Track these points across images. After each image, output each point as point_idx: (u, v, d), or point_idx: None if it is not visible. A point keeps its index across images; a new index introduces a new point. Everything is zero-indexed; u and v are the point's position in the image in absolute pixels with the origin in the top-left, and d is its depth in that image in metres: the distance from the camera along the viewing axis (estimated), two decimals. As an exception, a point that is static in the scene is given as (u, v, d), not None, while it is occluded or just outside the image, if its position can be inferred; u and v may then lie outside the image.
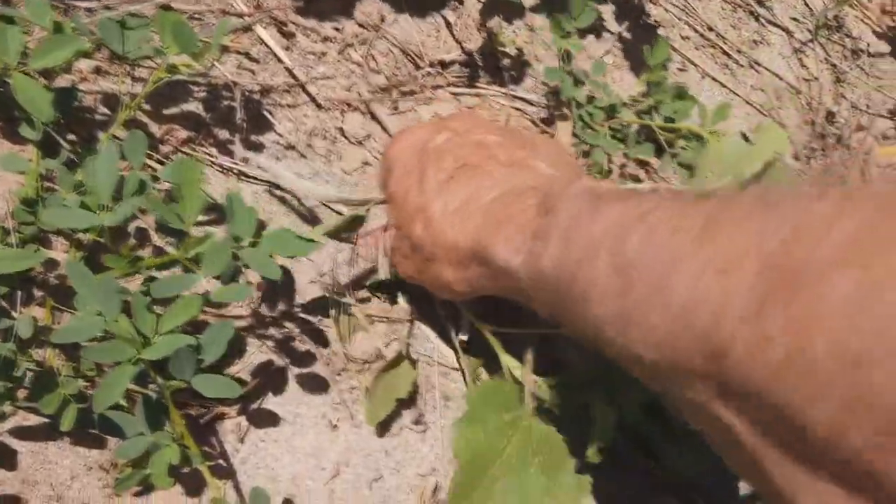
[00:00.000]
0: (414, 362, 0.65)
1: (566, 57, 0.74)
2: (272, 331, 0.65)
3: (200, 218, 0.61)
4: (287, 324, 0.65)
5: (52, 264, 0.60)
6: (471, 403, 0.59)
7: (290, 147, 0.69)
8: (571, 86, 0.73)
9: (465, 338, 0.64)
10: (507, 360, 0.62)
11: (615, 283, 0.33)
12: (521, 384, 0.60)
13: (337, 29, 0.76)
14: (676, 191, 0.69)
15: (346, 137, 0.71)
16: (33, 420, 0.59)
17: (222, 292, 0.53)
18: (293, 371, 0.64)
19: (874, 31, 0.97)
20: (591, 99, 0.76)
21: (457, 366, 0.67)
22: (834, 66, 0.95)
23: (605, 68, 0.77)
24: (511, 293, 0.48)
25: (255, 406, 0.64)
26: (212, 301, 0.62)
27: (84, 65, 0.64)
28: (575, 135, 0.73)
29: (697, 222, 0.30)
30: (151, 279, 0.58)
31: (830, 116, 0.94)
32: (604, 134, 0.71)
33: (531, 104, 0.79)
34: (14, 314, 0.57)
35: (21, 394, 0.56)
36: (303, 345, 0.65)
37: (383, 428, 0.64)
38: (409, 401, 0.65)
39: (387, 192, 0.58)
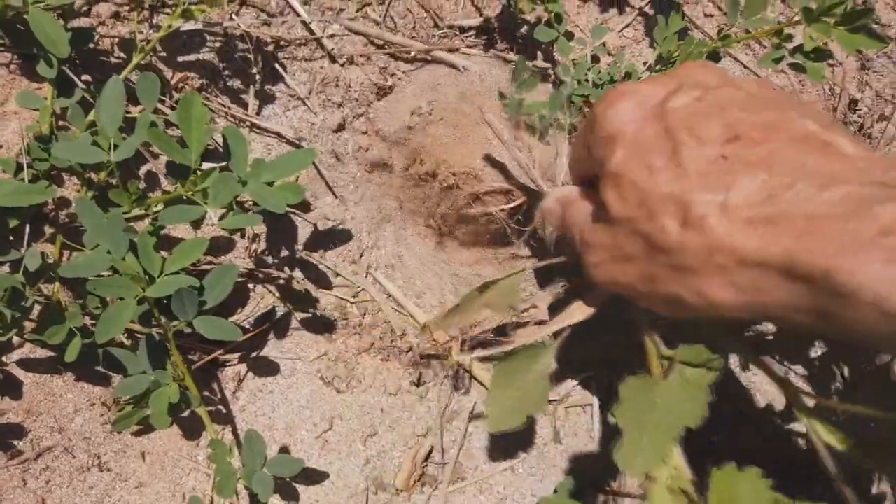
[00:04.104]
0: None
1: (557, 19, 0.74)
2: (275, 279, 0.65)
3: (210, 165, 0.61)
4: (289, 271, 0.65)
5: (64, 203, 0.61)
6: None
7: (303, 99, 0.69)
8: (567, 45, 0.73)
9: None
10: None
11: None
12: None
13: (356, -12, 0.76)
14: None
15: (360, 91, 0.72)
16: (40, 353, 0.60)
17: (232, 221, 0.53)
18: (294, 322, 0.65)
19: (904, 19, 0.95)
20: (595, 61, 0.76)
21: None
22: (860, 51, 0.93)
23: (605, 31, 0.76)
24: (815, 320, 0.36)
25: (255, 355, 0.64)
26: (215, 247, 0.63)
27: (103, 9, 0.64)
28: (571, 101, 0.72)
29: None
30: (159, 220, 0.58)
31: (853, 104, 0.92)
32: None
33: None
34: (22, 249, 0.58)
35: (28, 326, 0.58)
36: (304, 295, 0.65)
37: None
38: (412, 365, 0.65)
39: (607, 170, 0.43)
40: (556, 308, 0.57)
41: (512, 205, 0.67)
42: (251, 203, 0.62)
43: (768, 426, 0.69)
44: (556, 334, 0.53)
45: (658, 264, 0.41)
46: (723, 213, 0.37)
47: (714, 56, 0.70)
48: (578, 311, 0.54)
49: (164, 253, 0.58)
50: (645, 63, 0.81)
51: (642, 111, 0.43)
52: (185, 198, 0.55)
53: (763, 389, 0.71)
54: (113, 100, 0.51)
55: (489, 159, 0.67)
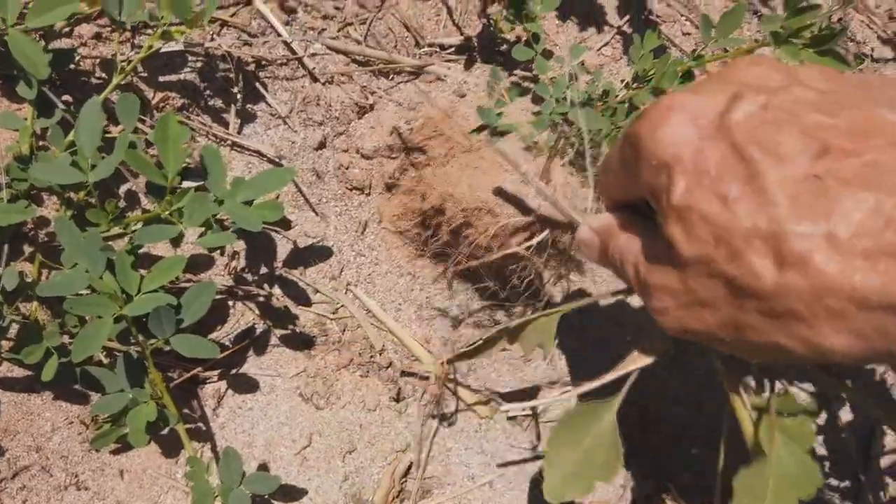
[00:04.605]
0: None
1: (534, 38, 0.75)
2: (254, 296, 0.66)
3: (190, 184, 0.62)
4: (268, 288, 0.66)
5: (43, 222, 0.61)
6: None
7: (284, 118, 0.70)
8: (544, 63, 0.74)
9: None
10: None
11: None
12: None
13: (338, 7, 0.77)
14: None
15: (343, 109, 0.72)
16: (18, 372, 0.60)
17: (208, 239, 0.53)
18: (273, 339, 0.65)
19: (879, 37, 0.97)
20: (573, 79, 0.77)
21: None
22: (837, 69, 0.95)
23: (583, 50, 0.77)
24: None
25: (234, 372, 0.65)
26: (194, 265, 0.64)
27: (85, 30, 0.65)
28: (553, 122, 0.73)
29: None
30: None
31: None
32: (593, 113, 0.72)
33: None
34: (0, 268, 0.58)
35: (6, 345, 0.58)
36: (283, 312, 0.66)
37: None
38: (391, 381, 0.66)
39: (669, 204, 0.36)
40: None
41: (537, 240, 0.61)
42: (231, 221, 0.63)
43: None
44: (616, 386, 0.48)
45: (747, 311, 0.34)
46: (831, 246, 0.31)
47: (689, 75, 0.71)
48: (637, 360, 0.49)
49: (144, 271, 0.59)
50: (622, 80, 0.82)
51: (697, 129, 0.36)
52: (162, 217, 0.55)
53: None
54: (91, 121, 0.51)
55: (502, 192, 0.62)
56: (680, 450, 0.70)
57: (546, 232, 0.60)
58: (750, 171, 0.33)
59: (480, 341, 0.54)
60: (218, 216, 0.58)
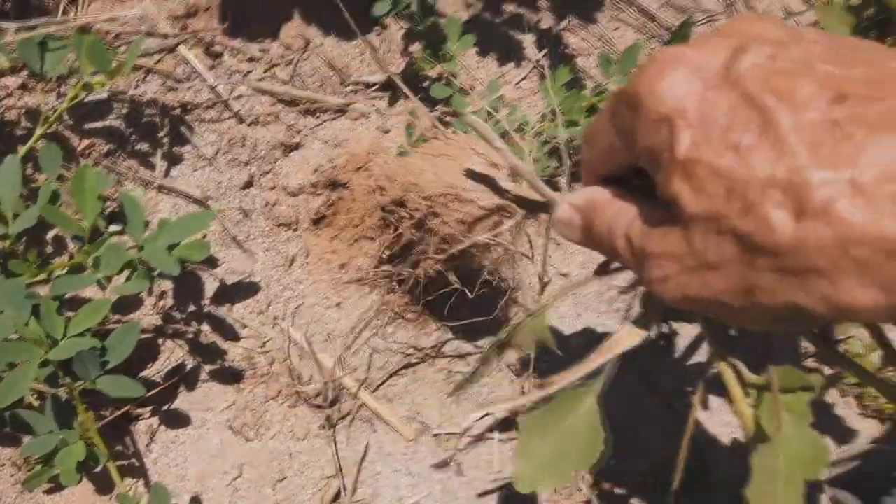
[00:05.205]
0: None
1: (452, 76, 0.79)
2: (183, 333, 0.68)
3: (115, 227, 0.64)
4: (197, 325, 0.68)
5: (-31, 270, 0.63)
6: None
7: (210, 159, 0.73)
8: (462, 101, 0.78)
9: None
10: None
11: None
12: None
13: (263, 50, 0.80)
14: None
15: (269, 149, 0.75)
16: (-53, 418, 0.61)
17: (120, 288, 0.56)
18: (203, 374, 0.68)
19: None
20: (490, 115, 0.81)
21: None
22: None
23: (501, 85, 0.82)
24: None
25: (166, 408, 0.67)
26: (122, 306, 0.66)
27: (10, 81, 0.67)
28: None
29: None
30: (62, 284, 0.61)
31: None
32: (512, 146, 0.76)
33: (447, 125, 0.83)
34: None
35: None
36: (212, 348, 0.68)
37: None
38: (319, 409, 0.69)
39: (673, 159, 0.34)
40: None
41: (509, 224, 0.57)
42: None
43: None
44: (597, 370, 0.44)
45: (760, 270, 0.32)
46: (856, 193, 0.29)
47: (592, 109, 0.76)
48: (626, 338, 0.44)
49: (71, 313, 0.61)
50: (540, 113, 0.87)
51: (702, 80, 0.34)
52: (83, 264, 0.57)
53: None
54: (10, 175, 0.54)
55: (471, 174, 0.58)
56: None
57: (520, 214, 0.57)
58: (764, 119, 0.31)
59: (478, 366, 0.51)
60: (142, 258, 0.60)
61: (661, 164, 0.35)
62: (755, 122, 0.31)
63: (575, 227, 0.43)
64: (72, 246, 0.65)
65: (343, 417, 0.69)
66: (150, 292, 0.67)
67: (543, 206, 0.51)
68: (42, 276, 0.61)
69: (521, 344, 0.50)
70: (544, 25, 0.91)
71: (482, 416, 0.50)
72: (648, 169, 0.36)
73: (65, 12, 0.73)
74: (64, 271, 0.59)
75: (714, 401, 0.74)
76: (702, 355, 0.77)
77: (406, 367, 0.70)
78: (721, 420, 0.74)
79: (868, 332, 0.43)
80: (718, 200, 0.32)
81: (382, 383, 0.70)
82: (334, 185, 0.76)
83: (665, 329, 0.81)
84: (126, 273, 0.61)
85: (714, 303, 0.34)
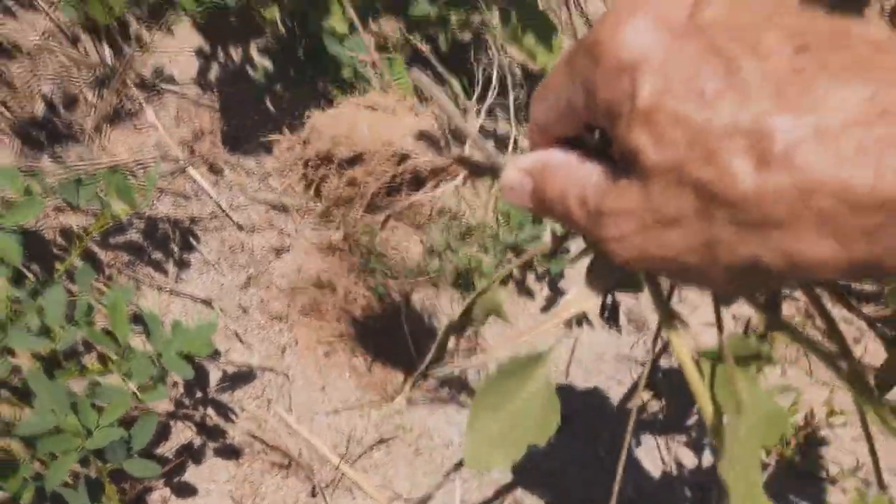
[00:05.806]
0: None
1: None
2: (191, 416, 0.81)
3: (136, 328, 0.78)
4: (203, 409, 0.81)
5: (16, 370, 0.76)
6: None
7: (213, 264, 0.86)
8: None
9: None
10: None
11: None
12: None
13: (258, 163, 0.94)
14: None
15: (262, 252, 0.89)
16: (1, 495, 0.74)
17: (146, 396, 0.69)
18: (208, 451, 0.81)
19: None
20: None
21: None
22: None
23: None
24: None
25: (177, 480, 0.80)
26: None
27: (47, 203, 0.81)
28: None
29: None
30: (96, 383, 0.74)
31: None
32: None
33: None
34: (-17, 411, 0.72)
35: (-13, 474, 0.72)
36: (216, 429, 0.81)
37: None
38: (307, 479, 0.82)
39: (634, 108, 0.33)
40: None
41: (453, 184, 0.54)
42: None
43: None
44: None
45: (720, 223, 0.31)
46: (819, 139, 0.28)
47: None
48: (578, 300, 0.42)
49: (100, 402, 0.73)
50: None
51: (667, 28, 0.33)
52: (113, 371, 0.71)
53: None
54: (55, 300, 0.67)
55: (411, 133, 0.54)
56: None
57: (463, 174, 0.52)
58: (729, 68, 0.30)
59: (433, 351, 0.49)
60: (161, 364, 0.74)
61: (620, 116, 0.33)
62: (720, 69, 0.30)
63: (525, 192, 0.41)
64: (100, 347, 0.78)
65: (327, 486, 0.82)
66: (163, 381, 0.80)
67: (490, 170, 0.48)
68: (76, 374, 0.74)
69: (475, 318, 0.48)
70: None
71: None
72: (606, 125, 0.34)
73: (90, 139, 0.86)
74: (99, 378, 0.72)
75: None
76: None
77: (380, 442, 0.84)
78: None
79: (810, 302, 0.42)
80: (680, 148, 0.31)
81: (360, 456, 0.83)
82: (320, 286, 0.89)
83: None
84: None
85: (672, 261, 0.33)
